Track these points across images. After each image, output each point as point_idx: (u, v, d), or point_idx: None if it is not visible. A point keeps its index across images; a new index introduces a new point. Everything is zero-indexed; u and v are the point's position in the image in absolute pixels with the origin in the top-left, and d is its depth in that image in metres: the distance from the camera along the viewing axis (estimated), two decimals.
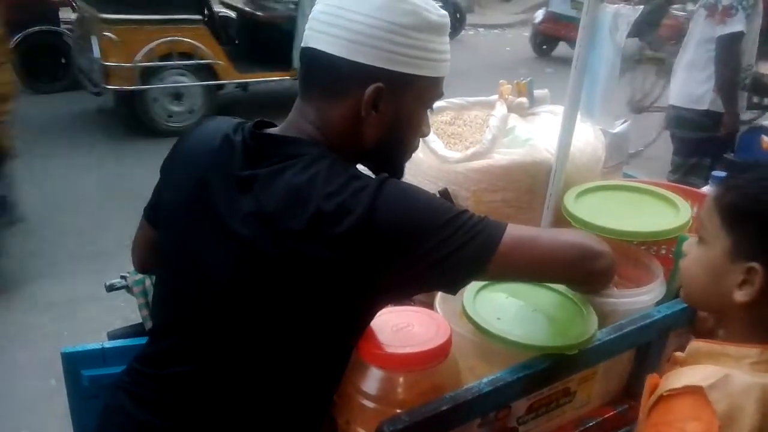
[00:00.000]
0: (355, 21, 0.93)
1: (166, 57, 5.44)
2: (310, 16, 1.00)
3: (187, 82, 5.60)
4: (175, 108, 5.70)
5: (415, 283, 0.97)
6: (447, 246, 0.90)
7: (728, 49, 3.03)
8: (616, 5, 1.45)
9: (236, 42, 6.43)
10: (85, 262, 3.58)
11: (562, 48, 8.94)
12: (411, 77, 0.97)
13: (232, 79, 5.88)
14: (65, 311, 3.31)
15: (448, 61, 1.02)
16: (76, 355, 1.41)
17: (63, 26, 7.03)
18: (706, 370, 0.86)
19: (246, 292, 0.95)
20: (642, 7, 1.31)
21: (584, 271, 1.02)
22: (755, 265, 0.86)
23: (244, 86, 6.24)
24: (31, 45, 6.32)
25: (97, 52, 5.22)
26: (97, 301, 3.08)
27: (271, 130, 1.02)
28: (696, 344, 0.94)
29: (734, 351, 0.88)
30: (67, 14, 7.39)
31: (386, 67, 0.95)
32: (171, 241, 1.06)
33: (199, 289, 0.99)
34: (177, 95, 5.67)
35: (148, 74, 5.41)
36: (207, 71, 5.68)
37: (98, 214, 4.16)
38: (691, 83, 3.21)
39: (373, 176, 0.96)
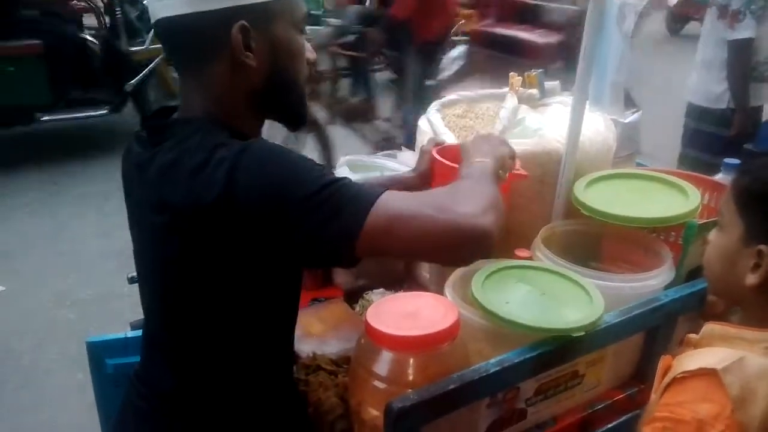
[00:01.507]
0: None
1: None
2: None
3: None
4: None
5: (298, 256, 0.93)
6: (311, 219, 0.86)
7: (737, 55, 3.00)
8: None
9: None
10: (112, 260, 3.67)
11: (692, 26, 9.89)
12: (265, 5, 0.94)
13: None
14: (92, 307, 3.40)
15: None
16: (101, 344, 1.47)
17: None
18: (721, 353, 0.87)
19: (164, 277, 1.01)
20: None
21: (456, 254, 0.95)
22: (764, 247, 0.88)
23: None
24: None
25: None
26: (123, 297, 3.17)
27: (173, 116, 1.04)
28: (710, 326, 0.95)
29: (750, 335, 0.88)
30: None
31: (238, 3, 0.92)
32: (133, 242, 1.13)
33: (143, 281, 1.10)
34: None
35: None
36: None
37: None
38: (709, 82, 3.18)
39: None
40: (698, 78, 3.26)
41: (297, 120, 1.09)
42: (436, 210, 0.90)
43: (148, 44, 5.36)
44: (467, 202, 0.93)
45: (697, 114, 3.30)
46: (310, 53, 1.05)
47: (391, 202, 0.90)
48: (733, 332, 0.91)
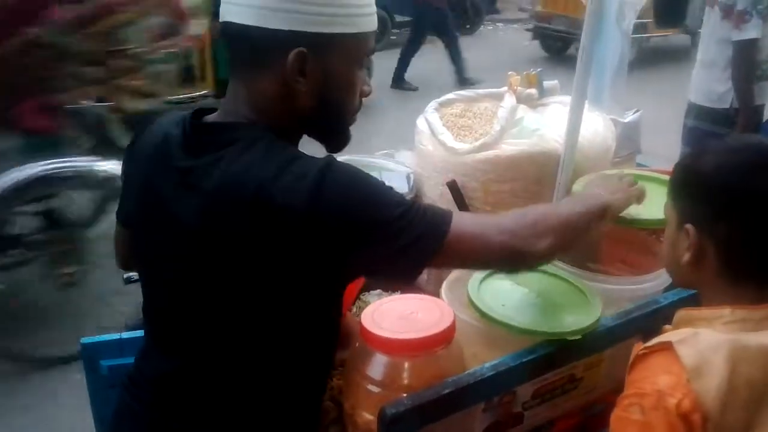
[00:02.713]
0: None
1: None
2: None
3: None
4: None
5: (367, 272, 0.99)
6: (392, 242, 0.89)
7: (742, 55, 2.98)
8: None
9: None
10: (110, 258, 3.64)
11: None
12: (331, 36, 0.94)
13: None
14: (91, 307, 3.38)
15: (370, 15, 0.99)
16: (96, 345, 1.45)
17: None
18: (680, 331, 0.91)
19: (204, 284, 0.97)
20: None
21: (511, 268, 1.09)
22: (689, 226, 0.93)
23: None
24: None
25: None
26: (121, 296, 3.15)
27: (209, 118, 1.02)
28: (679, 312, 0.99)
29: (709, 313, 0.92)
30: None
31: (303, 29, 0.92)
32: (138, 242, 1.10)
33: (167, 287, 1.03)
34: None
35: None
36: None
37: None
38: (712, 82, 3.15)
39: (316, 155, 0.93)
40: (700, 78, 3.24)
41: (337, 146, 1.08)
42: (497, 232, 0.97)
43: None
44: (529, 225, 1.00)
45: (698, 113, 3.29)
46: (366, 87, 1.05)
47: (461, 225, 0.95)
48: (695, 314, 0.95)
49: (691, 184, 0.95)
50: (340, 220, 0.88)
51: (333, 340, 1.09)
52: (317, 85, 0.97)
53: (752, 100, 3.07)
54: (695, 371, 0.83)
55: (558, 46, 8.96)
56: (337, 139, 1.07)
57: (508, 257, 0.99)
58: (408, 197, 1.55)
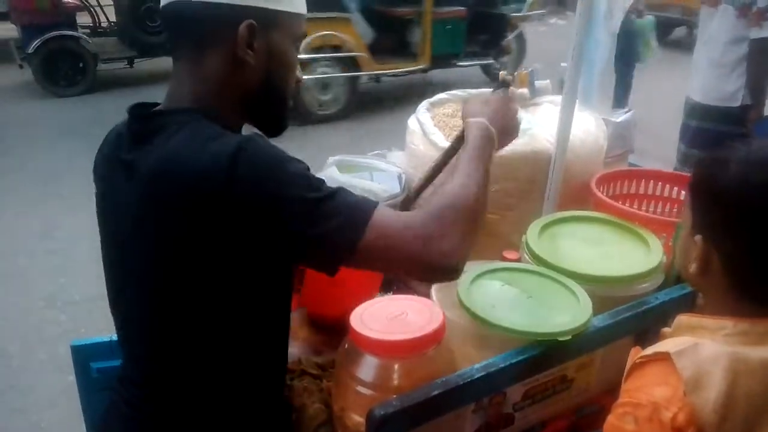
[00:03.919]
0: None
1: (318, 50, 6.16)
2: None
3: (332, 73, 6.37)
4: (323, 97, 6.44)
5: (291, 256, 0.97)
6: (308, 226, 0.88)
7: (762, 52, 2.99)
8: None
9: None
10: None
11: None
12: (276, 13, 1.00)
13: (371, 70, 6.69)
14: (83, 309, 3.37)
15: None
16: (86, 347, 1.44)
17: (81, 31, 7.15)
18: (679, 340, 0.89)
19: (155, 276, 0.98)
20: None
21: (427, 278, 1.08)
22: (698, 237, 0.91)
23: (377, 78, 7.14)
24: (50, 50, 6.44)
25: None
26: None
27: (155, 108, 1.03)
28: (679, 318, 0.97)
29: (710, 323, 0.90)
30: (84, 19, 7.50)
31: (251, 4, 0.97)
32: (102, 245, 1.11)
33: (125, 283, 1.05)
34: (324, 85, 6.42)
35: (302, 66, 5.84)
36: (350, 63, 6.46)
37: None
38: (722, 81, 3.13)
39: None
40: (706, 78, 3.21)
41: (276, 128, 1.11)
42: (422, 242, 0.92)
43: (525, 11, 7.56)
44: (449, 233, 0.94)
45: (705, 113, 3.27)
46: (299, 73, 1.10)
47: (386, 220, 0.92)
48: (696, 321, 0.92)
49: (706, 193, 0.92)
50: (253, 195, 0.87)
51: (283, 325, 1.10)
52: (263, 60, 1.00)
53: (765, 96, 3.09)
54: (693, 383, 0.81)
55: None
56: (278, 121, 1.09)
57: (431, 270, 0.95)
58: (399, 197, 1.55)
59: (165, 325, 1.01)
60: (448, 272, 0.96)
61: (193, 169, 0.88)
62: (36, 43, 6.30)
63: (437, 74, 7.48)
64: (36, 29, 6.36)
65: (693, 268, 0.92)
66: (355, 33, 6.37)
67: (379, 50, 6.69)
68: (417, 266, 0.94)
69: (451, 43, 7.04)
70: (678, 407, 0.80)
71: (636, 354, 0.93)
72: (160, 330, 1.02)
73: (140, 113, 1.01)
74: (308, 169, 0.95)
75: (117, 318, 1.11)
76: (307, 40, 5.86)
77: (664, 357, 0.85)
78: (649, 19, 5.61)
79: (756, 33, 2.96)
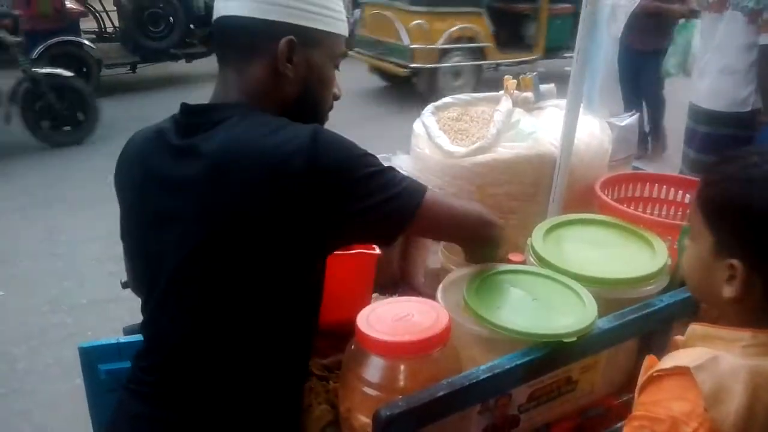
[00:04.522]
0: None
1: (456, 40, 7.30)
2: None
3: (463, 62, 7.41)
4: (455, 83, 7.29)
5: (355, 229, 1.03)
6: (381, 192, 0.99)
7: None
8: None
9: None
10: (108, 264, 3.66)
11: None
12: (316, 32, 1.08)
13: (494, 60, 7.72)
14: (88, 312, 3.39)
15: (345, 21, 1.14)
16: (93, 349, 1.45)
17: (84, 36, 7.18)
18: (697, 352, 0.87)
19: (205, 249, 0.99)
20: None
21: (481, 235, 1.18)
22: (735, 262, 0.87)
23: (495, 66, 7.96)
24: (53, 55, 6.47)
25: (406, 38, 7.04)
26: (119, 301, 3.16)
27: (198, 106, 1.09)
28: (693, 327, 0.95)
29: (727, 334, 0.89)
30: (88, 24, 7.54)
31: (294, 22, 1.05)
32: (135, 237, 1.12)
33: (167, 263, 1.03)
34: (456, 72, 7.46)
35: (441, 55, 7.24)
36: (479, 53, 7.51)
37: None
38: (733, 88, 3.10)
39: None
40: (718, 84, 3.19)
41: None
42: (467, 203, 1.19)
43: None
44: (483, 208, 1.19)
45: (713, 119, 3.25)
46: (337, 90, 1.18)
47: (435, 192, 1.08)
48: (712, 332, 0.91)
49: (741, 220, 0.87)
50: (334, 172, 0.96)
51: (310, 328, 1.13)
52: (301, 75, 1.08)
53: None
54: (713, 398, 0.80)
55: None
56: None
57: (480, 225, 1.15)
58: None
59: (202, 306, 1.02)
60: (496, 226, 1.17)
61: (273, 151, 0.94)
62: (39, 48, 6.32)
63: (547, 63, 8.05)
64: (40, 35, 6.38)
65: (729, 292, 0.88)
66: (485, 26, 7.38)
67: (500, 42, 7.65)
68: (469, 224, 1.14)
69: (561, 36, 7.80)
70: (698, 422, 0.79)
71: (650, 363, 0.92)
72: (196, 311, 1.02)
73: (194, 106, 1.07)
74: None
75: (148, 300, 1.11)
76: (449, 31, 7.10)
77: (683, 371, 0.84)
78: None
79: (765, 39, 2.96)
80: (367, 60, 7.91)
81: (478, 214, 1.15)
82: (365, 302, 1.26)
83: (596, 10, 1.41)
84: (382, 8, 7.43)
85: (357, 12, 8.11)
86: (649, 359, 0.96)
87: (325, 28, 1.09)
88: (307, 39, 1.07)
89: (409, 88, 7.44)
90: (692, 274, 0.98)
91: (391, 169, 1.04)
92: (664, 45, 4.61)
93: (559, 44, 7.85)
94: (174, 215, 1.01)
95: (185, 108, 1.08)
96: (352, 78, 8.66)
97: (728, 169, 0.91)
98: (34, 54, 6.30)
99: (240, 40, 1.07)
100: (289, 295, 1.04)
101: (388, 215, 1.01)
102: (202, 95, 1.16)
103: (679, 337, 1.00)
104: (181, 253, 1.01)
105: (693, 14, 4.27)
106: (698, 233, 0.93)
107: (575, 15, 7.30)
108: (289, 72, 1.06)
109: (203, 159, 0.98)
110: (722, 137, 3.20)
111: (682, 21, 4.24)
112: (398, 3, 7.19)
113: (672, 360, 0.88)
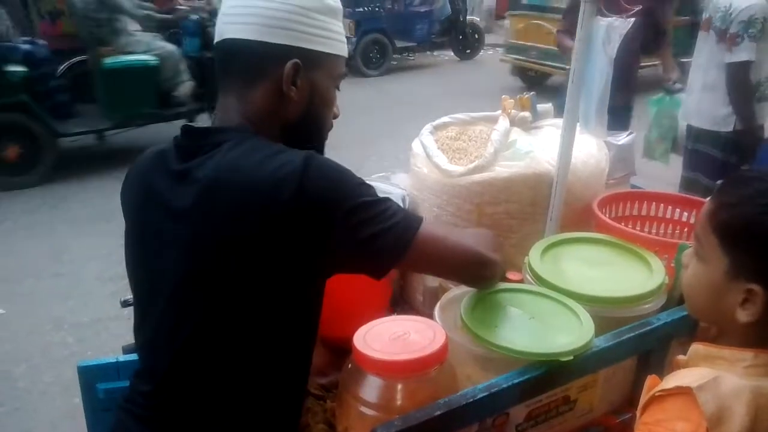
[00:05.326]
0: (265, 8, 1.04)
1: None
2: (220, 12, 1.10)
3: None
4: None
5: (344, 260, 1.02)
6: (372, 225, 0.98)
7: (736, 77, 3.03)
8: (609, 18, 1.47)
9: None
10: (110, 283, 3.67)
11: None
12: (319, 54, 1.09)
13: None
14: (90, 331, 3.39)
15: (345, 43, 1.15)
16: (92, 368, 1.46)
17: None
18: (699, 372, 0.87)
19: (199, 275, 1.00)
20: (633, 20, 1.32)
21: (473, 275, 1.15)
22: (755, 287, 0.86)
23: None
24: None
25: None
26: (120, 320, 3.16)
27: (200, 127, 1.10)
28: (695, 347, 0.95)
29: (729, 354, 0.89)
30: None
31: (298, 45, 1.06)
32: (136, 255, 1.12)
33: (164, 285, 1.04)
34: None
35: None
36: None
37: None
38: (714, 105, 3.17)
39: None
40: (700, 102, 3.25)
41: None
42: (462, 237, 1.11)
43: None
44: (481, 242, 1.12)
45: (698, 136, 3.29)
46: (337, 109, 1.19)
47: (431, 225, 1.06)
48: (714, 352, 0.91)
49: (762, 245, 0.85)
50: (324, 202, 0.95)
51: (308, 349, 1.13)
52: (305, 96, 1.09)
53: (754, 120, 3.10)
54: (715, 418, 0.80)
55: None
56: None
57: (474, 266, 1.10)
58: None
59: (198, 329, 1.02)
60: (491, 266, 1.12)
61: (263, 177, 0.94)
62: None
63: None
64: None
65: (745, 316, 0.87)
66: None
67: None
68: (463, 263, 1.09)
69: (684, 44, 8.10)
70: None
71: (652, 383, 0.92)
72: (192, 334, 1.02)
73: (193, 129, 1.08)
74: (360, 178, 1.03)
75: (145, 319, 1.11)
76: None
77: (685, 391, 0.83)
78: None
79: (729, 57, 3.01)
80: (518, 63, 8.82)
81: (474, 252, 1.09)
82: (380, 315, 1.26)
83: (591, 32, 1.43)
84: (534, 18, 8.31)
85: (506, 22, 9.14)
86: (651, 379, 0.96)
87: (327, 50, 1.10)
88: (311, 61, 1.08)
89: (542, 88, 7.67)
90: (698, 295, 0.96)
91: (385, 200, 1.02)
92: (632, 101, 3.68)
93: (683, 50, 8.18)
94: (170, 239, 1.02)
95: (186, 130, 1.09)
96: (494, 78, 9.24)
97: (745, 191, 0.89)
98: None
99: (244, 62, 1.07)
100: (284, 318, 1.04)
101: (377, 251, 0.99)
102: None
103: (681, 357, 0.99)
104: (177, 277, 1.02)
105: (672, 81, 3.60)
106: (710, 255, 0.92)
107: (693, 25, 7.84)
108: (293, 94, 1.07)
109: (196, 185, 0.99)
110: (708, 156, 3.24)
111: (660, 94, 3.63)
112: (549, 14, 7.88)
113: (674, 380, 0.88)
